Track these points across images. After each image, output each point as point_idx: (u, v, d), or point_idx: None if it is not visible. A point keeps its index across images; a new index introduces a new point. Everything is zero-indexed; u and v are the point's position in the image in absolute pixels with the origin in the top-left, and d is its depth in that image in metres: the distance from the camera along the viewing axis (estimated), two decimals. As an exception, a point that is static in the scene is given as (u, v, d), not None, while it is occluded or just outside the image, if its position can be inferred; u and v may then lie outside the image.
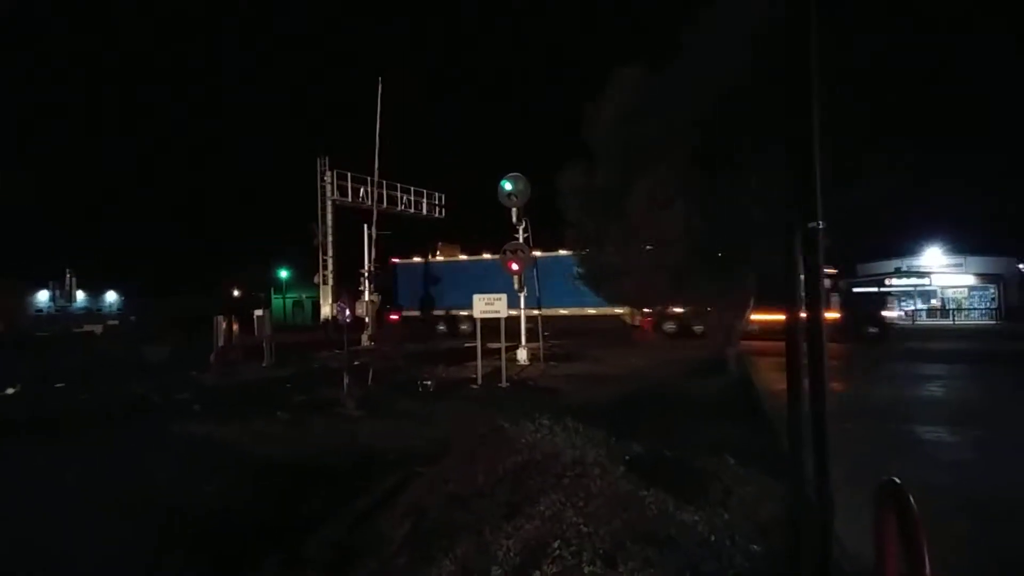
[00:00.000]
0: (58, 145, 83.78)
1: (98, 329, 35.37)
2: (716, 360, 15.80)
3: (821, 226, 3.30)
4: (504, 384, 14.52)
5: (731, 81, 12.14)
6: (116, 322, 42.72)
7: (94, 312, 51.52)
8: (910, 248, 47.41)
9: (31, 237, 62.86)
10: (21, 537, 5.86)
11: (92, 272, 54.46)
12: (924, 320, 44.86)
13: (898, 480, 2.57)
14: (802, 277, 3.41)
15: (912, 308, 45.83)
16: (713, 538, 4.20)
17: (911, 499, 2.46)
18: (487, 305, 15.32)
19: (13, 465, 8.32)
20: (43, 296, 50.92)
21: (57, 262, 49.29)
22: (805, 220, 3.33)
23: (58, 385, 15.11)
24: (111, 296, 61.37)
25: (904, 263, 47.99)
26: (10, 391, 14.24)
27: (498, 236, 20.91)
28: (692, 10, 14.03)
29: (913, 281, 47.02)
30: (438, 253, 34.86)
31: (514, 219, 19.26)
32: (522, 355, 18.86)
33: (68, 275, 47.18)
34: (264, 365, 18.91)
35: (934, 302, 47.72)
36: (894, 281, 46.48)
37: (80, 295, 52.85)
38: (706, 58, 13.31)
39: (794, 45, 3.44)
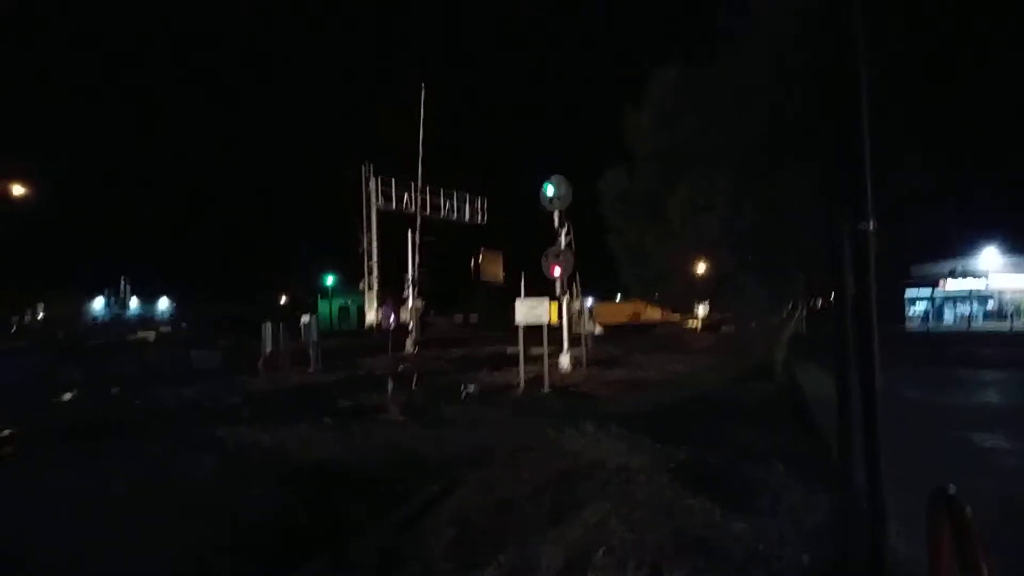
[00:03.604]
0: (113, 154, 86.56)
1: (151, 336, 36.41)
2: (763, 365, 15.50)
3: (872, 227, 3.20)
4: (546, 390, 14.45)
5: (773, 75, 11.98)
6: (168, 328, 43.96)
7: (147, 319, 52.93)
8: (965, 249, 44.82)
9: (88, 246, 64.94)
10: (75, 538, 6.03)
11: (146, 280, 56.05)
12: (981, 324, 42.62)
13: (951, 487, 2.46)
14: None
15: (968, 312, 44.00)
16: (761, 547, 4.12)
17: (966, 507, 2.36)
18: (529, 310, 15.14)
19: (70, 467, 8.57)
20: (99, 303, 52.44)
21: (113, 270, 50.95)
22: (854, 219, 3.23)
23: (113, 391, 15.55)
24: (164, 303, 62.95)
25: (959, 264, 45.32)
26: (67, 396, 14.70)
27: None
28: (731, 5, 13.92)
29: (969, 283, 44.78)
30: (480, 259, 34.86)
31: (556, 223, 19.15)
32: (564, 361, 18.76)
33: (123, 283, 48.72)
34: (310, 371, 19.17)
35: (991, 305, 45.31)
36: (949, 283, 44.63)
37: (134, 302, 54.43)
38: (746, 54, 13.17)
39: (841, 30, 3.34)
